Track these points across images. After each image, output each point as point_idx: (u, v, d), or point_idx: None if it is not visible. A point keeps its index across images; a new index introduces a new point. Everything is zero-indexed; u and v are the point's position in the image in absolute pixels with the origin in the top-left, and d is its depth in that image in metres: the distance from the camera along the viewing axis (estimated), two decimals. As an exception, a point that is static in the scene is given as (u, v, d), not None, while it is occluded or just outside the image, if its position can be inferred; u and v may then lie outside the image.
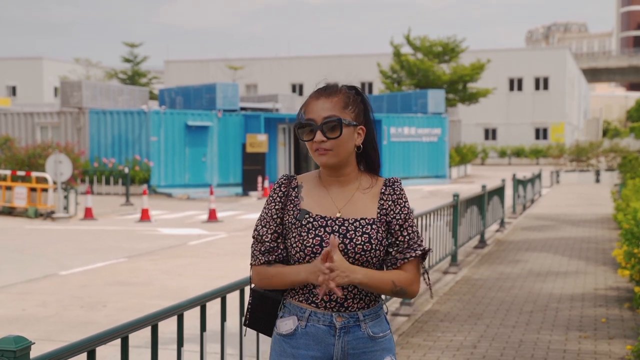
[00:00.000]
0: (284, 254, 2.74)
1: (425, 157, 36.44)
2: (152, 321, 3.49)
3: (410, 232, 2.72)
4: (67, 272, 11.48)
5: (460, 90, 47.01)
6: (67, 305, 9.10)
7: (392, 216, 2.71)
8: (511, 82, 66.19)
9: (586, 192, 28.63)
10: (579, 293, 9.15)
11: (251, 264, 2.78)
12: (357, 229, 2.66)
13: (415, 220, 2.80)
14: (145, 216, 18.93)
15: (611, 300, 8.67)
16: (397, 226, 2.71)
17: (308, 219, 2.69)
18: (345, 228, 2.66)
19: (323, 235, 2.65)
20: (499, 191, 15.95)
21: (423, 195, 27.18)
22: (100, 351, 3.15)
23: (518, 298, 8.87)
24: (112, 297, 9.56)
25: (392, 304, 8.38)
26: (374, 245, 2.65)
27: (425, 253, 2.73)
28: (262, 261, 2.73)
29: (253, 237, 2.78)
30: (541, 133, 65.69)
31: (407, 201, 2.76)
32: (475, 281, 10.03)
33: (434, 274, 10.55)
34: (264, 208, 2.79)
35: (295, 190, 2.77)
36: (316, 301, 2.68)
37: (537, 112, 65.61)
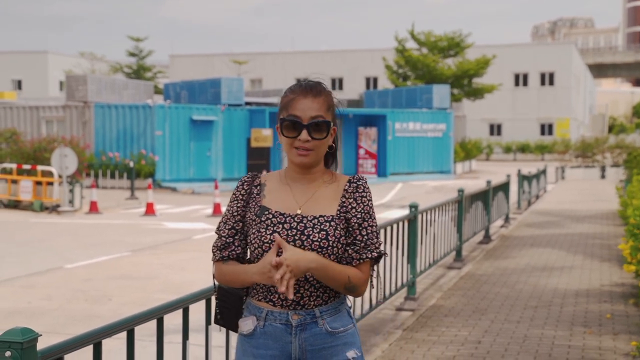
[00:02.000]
0: (239, 251, 2.77)
1: (430, 152, 36.42)
2: (157, 314, 3.50)
3: (369, 231, 2.70)
4: (71, 265, 11.51)
5: (466, 85, 46.94)
6: (71, 298, 9.13)
7: (352, 214, 2.70)
8: (516, 77, 66.06)
9: (591, 188, 28.59)
10: (584, 289, 9.14)
11: (212, 259, 2.83)
12: (315, 226, 2.65)
13: (375, 220, 2.76)
14: (150, 210, 18.95)
15: (616, 296, 8.66)
16: (356, 224, 2.69)
17: (267, 216, 2.69)
18: (303, 225, 2.66)
19: (281, 232, 2.65)
20: (504, 187, 15.93)
21: (427, 191, 27.17)
22: (105, 344, 3.16)
23: (522, 293, 8.87)
24: (116, 290, 9.58)
25: (397, 299, 8.39)
26: (331, 242, 2.64)
27: (380, 256, 2.72)
28: (217, 257, 2.79)
29: (215, 233, 2.82)
30: (546, 129, 65.57)
31: (370, 200, 2.73)
32: (480, 276, 10.03)
33: (438, 269, 10.56)
34: (227, 205, 2.83)
35: (258, 187, 2.79)
36: (273, 299, 2.69)
37: (542, 107, 65.48)
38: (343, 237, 2.68)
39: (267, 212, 2.70)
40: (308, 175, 2.76)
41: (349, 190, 2.73)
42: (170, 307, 3.61)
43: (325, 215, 2.68)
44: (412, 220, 8.24)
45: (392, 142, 34.75)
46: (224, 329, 3.44)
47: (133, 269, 11.24)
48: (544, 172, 25.85)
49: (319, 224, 2.66)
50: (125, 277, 10.56)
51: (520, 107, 65.85)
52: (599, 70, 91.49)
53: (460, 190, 11.21)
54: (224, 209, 19.71)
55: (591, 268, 10.63)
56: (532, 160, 58.16)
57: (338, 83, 66.45)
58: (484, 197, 13.34)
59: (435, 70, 45.55)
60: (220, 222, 2.82)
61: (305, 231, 2.65)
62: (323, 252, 2.64)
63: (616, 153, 39.17)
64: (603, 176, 35.57)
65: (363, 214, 2.70)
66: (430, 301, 8.47)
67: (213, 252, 2.80)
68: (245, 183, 2.81)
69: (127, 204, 21.93)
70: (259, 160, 28.42)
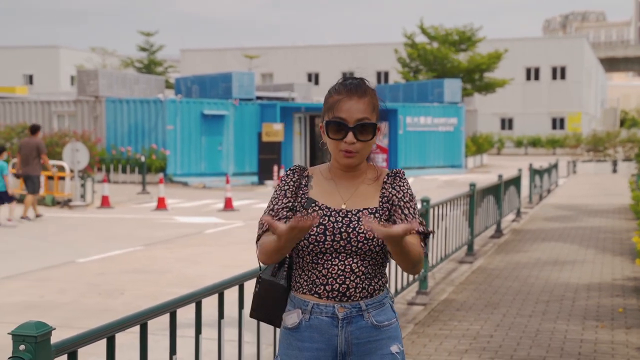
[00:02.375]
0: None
1: (441, 146, 36.35)
2: (170, 308, 3.51)
3: (412, 211, 2.73)
4: (84, 259, 11.56)
5: (477, 79, 46.77)
6: (84, 292, 9.17)
7: (394, 199, 2.74)
8: (528, 71, 65.81)
9: (603, 182, 28.48)
10: (596, 283, 9.12)
11: (256, 242, 2.76)
12: (360, 219, 2.68)
13: (417, 206, 2.78)
14: (161, 205, 19.00)
15: (628, 290, 8.64)
16: (399, 207, 2.72)
17: (314, 208, 2.72)
18: (348, 218, 2.69)
19: (327, 224, 2.67)
20: (516, 181, 15.90)
21: (439, 185, 27.12)
22: (119, 338, 3.17)
23: (534, 287, 8.85)
24: (129, 284, 9.61)
25: (408, 293, 8.39)
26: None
27: (427, 234, 2.71)
28: (263, 229, 2.71)
29: (263, 216, 2.71)
30: (558, 123, 65.32)
31: (409, 188, 2.78)
32: (492, 270, 10.02)
33: (449, 264, 10.55)
34: (275, 192, 2.81)
35: (306, 179, 2.81)
36: (319, 292, 2.69)
37: (553, 101, 65.23)
38: None
39: (314, 205, 2.73)
40: (352, 173, 2.79)
41: (388, 182, 2.78)
42: (183, 301, 3.62)
43: (369, 208, 2.72)
44: (423, 214, 8.24)
45: (403, 136, 34.70)
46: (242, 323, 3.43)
47: (146, 263, 11.28)
48: (555, 166, 25.76)
49: (363, 216, 2.68)
50: (138, 271, 10.59)
51: (531, 101, 65.60)
52: (611, 64, 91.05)
53: (472, 185, 11.19)
54: (235, 203, 19.75)
55: (603, 262, 10.60)
56: (544, 155, 57.92)
57: (349, 77, 66.21)
58: (496, 191, 13.32)
59: (449, 63, 45.38)
60: (270, 204, 2.77)
61: (351, 224, 2.67)
62: (369, 243, 2.66)
63: (628, 147, 38.98)
64: (615, 170, 35.42)
65: (406, 197, 2.74)
66: (442, 295, 8.46)
67: (258, 234, 2.74)
68: (296, 172, 2.83)
69: (139, 199, 21.99)
70: (270, 154, 28.39)
